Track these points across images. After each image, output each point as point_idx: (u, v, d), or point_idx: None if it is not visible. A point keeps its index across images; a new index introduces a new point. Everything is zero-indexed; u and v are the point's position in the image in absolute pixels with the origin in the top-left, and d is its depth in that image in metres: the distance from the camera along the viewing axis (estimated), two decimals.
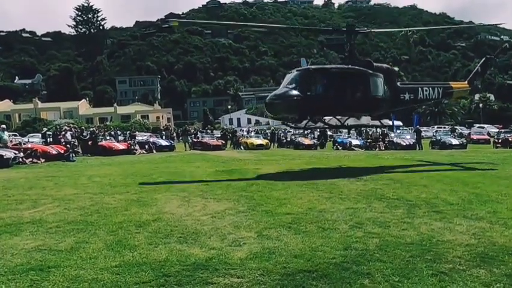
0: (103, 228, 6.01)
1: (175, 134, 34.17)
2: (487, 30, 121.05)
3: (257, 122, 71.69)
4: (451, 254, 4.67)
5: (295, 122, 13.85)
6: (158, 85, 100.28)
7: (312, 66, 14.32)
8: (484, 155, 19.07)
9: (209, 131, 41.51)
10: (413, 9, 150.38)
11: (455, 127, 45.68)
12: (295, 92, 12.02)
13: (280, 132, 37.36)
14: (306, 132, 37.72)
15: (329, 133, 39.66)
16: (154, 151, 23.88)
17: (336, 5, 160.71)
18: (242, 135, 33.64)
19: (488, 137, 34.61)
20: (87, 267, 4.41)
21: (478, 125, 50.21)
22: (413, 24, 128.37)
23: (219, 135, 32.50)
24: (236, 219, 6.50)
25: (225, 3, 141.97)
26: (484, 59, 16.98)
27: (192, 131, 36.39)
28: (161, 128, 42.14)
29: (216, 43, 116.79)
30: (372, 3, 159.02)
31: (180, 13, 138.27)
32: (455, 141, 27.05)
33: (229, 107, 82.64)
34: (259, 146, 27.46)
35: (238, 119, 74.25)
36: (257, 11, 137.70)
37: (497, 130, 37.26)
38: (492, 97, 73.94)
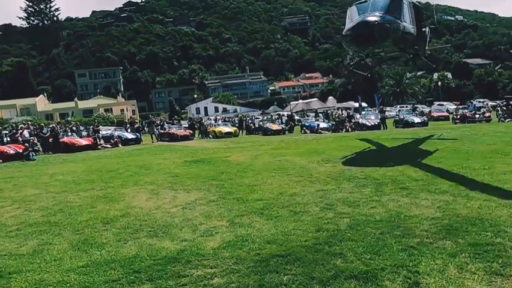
0: (67, 228, 5.76)
1: (140, 126, 33.33)
2: (442, 10, 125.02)
3: (224, 110, 71.24)
4: (418, 229, 4.80)
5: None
6: (121, 77, 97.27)
7: None
8: (444, 131, 19.84)
9: (176, 121, 40.83)
10: None
11: (417, 106, 47.29)
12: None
13: (248, 119, 37.30)
14: (273, 118, 37.92)
15: (297, 117, 40.09)
16: (120, 145, 23.20)
17: None
18: (210, 124, 33.30)
19: (448, 114, 36.06)
20: (52, 270, 4.20)
21: (437, 103, 52.19)
22: None
23: (187, 125, 32.03)
24: (207, 208, 6.41)
25: None
26: None
27: (158, 122, 35.65)
28: (126, 121, 40.98)
29: (178, 31, 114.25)
30: None
31: (139, 1, 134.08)
32: (417, 120, 27.99)
33: (196, 96, 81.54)
34: (228, 134, 27.28)
35: (206, 108, 73.46)
36: None
37: (455, 107, 38.84)
38: (449, 75, 77.11)
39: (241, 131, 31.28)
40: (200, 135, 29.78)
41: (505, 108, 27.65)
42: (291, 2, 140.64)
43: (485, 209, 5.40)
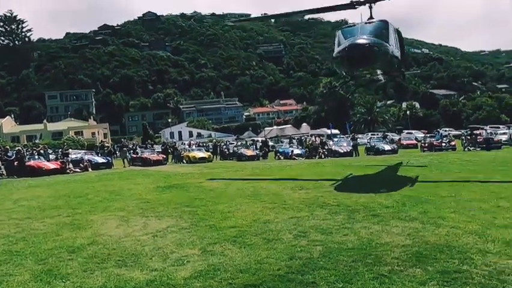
0: (30, 257, 5.47)
1: (112, 150, 32.60)
2: (409, 43, 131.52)
3: (199, 135, 70.95)
4: (389, 256, 4.86)
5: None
6: (93, 99, 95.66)
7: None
8: (413, 158, 20.48)
9: (149, 145, 40.24)
10: (344, 24, 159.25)
11: (387, 134, 48.71)
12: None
13: (222, 144, 37.25)
14: (248, 143, 38.06)
15: (271, 143, 40.39)
16: (90, 169, 22.56)
17: (272, 19, 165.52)
18: (184, 148, 33.00)
19: (416, 142, 37.28)
20: None
21: (406, 131, 53.95)
22: None
23: (160, 150, 31.59)
24: (179, 236, 6.27)
25: (162, 15, 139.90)
26: None
27: (131, 146, 35.02)
28: (97, 144, 40.04)
29: (154, 55, 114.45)
30: (306, 17, 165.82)
31: (115, 24, 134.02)
32: (387, 147, 28.76)
33: (170, 120, 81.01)
34: (202, 159, 27.09)
35: (180, 133, 72.92)
36: (195, 23, 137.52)
37: (423, 135, 40.28)
38: (417, 105, 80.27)
39: (215, 156, 31.14)
40: (173, 160, 29.42)
41: (468, 137, 28.90)
42: (266, 30, 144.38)
43: (452, 236, 5.55)
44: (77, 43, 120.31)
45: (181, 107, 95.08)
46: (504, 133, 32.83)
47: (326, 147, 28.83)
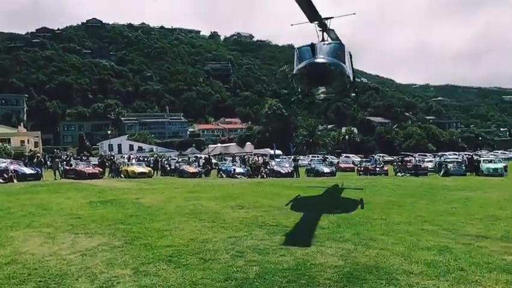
0: None
1: (43, 161, 30.33)
2: None
3: (140, 149, 68.66)
4: (322, 277, 4.99)
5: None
6: (25, 105, 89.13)
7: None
8: (349, 181, 21.42)
9: (85, 157, 38.13)
10: (291, 48, 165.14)
11: (327, 156, 50.63)
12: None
13: (164, 159, 36.33)
14: (190, 160, 37.52)
15: (214, 161, 40.16)
16: (15, 180, 20.80)
17: (222, 37, 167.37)
18: (122, 162, 31.68)
19: (353, 166, 39.10)
20: None
21: (345, 155, 56.48)
22: (292, 61, 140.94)
23: (96, 163, 30.02)
24: (110, 255, 5.95)
25: (108, 24, 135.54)
26: None
27: (64, 157, 32.94)
28: (26, 153, 37.15)
29: (97, 64, 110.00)
30: (255, 39, 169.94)
31: (55, 28, 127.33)
32: (326, 169, 29.84)
33: (110, 132, 77.57)
34: (141, 174, 26.13)
35: (119, 145, 70.01)
36: (142, 35, 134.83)
37: (360, 159, 42.40)
38: (356, 130, 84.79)
39: (155, 172, 30.24)
40: (111, 174, 28.07)
41: (400, 163, 30.94)
42: (215, 48, 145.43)
43: (381, 257, 5.85)
44: (10, 44, 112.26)
45: (122, 119, 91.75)
46: (430, 161, 35.57)
47: (268, 167, 29.24)
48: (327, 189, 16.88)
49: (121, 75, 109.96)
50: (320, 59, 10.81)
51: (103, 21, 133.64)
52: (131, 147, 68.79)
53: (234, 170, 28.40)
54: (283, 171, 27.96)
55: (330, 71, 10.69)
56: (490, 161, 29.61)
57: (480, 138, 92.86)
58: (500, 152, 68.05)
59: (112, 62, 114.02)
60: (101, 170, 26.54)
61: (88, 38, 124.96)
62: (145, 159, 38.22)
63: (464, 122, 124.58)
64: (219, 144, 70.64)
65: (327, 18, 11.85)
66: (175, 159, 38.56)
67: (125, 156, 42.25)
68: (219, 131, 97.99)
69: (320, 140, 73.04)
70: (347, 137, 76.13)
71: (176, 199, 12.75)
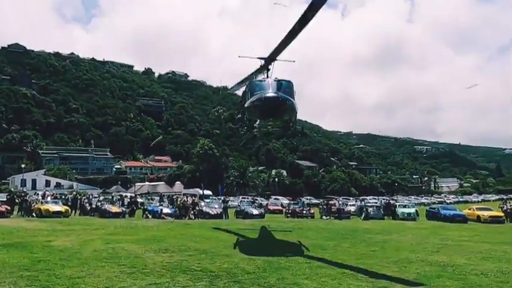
0: None
1: None
2: None
3: (58, 185, 63.41)
4: None
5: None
6: None
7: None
8: (278, 223, 21.66)
9: None
10: (225, 90, 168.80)
11: (256, 198, 51.03)
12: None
13: (84, 198, 33.82)
14: (114, 199, 35.43)
15: (140, 200, 38.29)
16: None
17: (156, 74, 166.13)
18: (36, 199, 28.86)
19: (282, 208, 39.74)
20: None
21: (274, 197, 57.34)
22: (225, 102, 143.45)
23: (5, 199, 26.99)
24: None
25: (32, 50, 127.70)
26: None
27: None
28: None
29: (15, 91, 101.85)
30: (190, 78, 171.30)
31: None
32: (255, 211, 29.89)
33: (24, 165, 70.78)
34: (57, 214, 23.94)
35: (34, 181, 64.01)
36: (70, 65, 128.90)
37: (288, 202, 43.32)
38: (285, 173, 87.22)
39: (73, 211, 27.93)
40: (20, 213, 25.34)
41: (325, 206, 32.13)
42: (148, 84, 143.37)
43: None
44: None
45: (40, 152, 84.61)
46: (353, 205, 37.48)
47: (197, 208, 28.57)
48: (255, 232, 16.85)
49: (43, 105, 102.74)
50: (274, 94, 11.59)
51: (27, 48, 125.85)
52: (47, 183, 63.22)
53: (161, 210, 27.29)
54: (213, 213, 27.47)
55: (282, 105, 11.49)
56: (405, 206, 31.95)
57: (396, 184, 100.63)
58: (413, 197, 74.20)
59: (33, 91, 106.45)
60: (9, 208, 23.90)
61: (7, 64, 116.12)
62: (63, 196, 35.26)
63: (382, 169, 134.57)
64: (146, 183, 67.91)
65: (272, 60, 12.68)
66: (97, 197, 36.15)
67: (40, 193, 38.67)
68: (148, 168, 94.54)
69: (251, 181, 73.72)
70: (276, 179, 77.84)
71: (94, 242, 11.81)
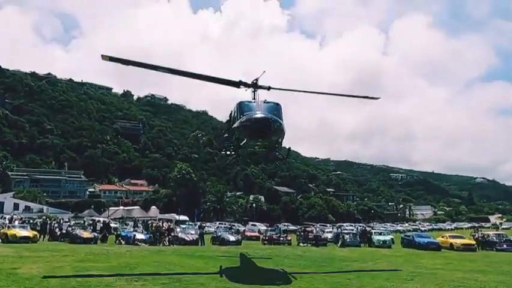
0: None
1: None
2: None
3: (27, 209, 60.91)
4: None
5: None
6: None
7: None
8: (254, 251, 21.38)
9: None
10: (204, 114, 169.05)
11: (233, 224, 50.42)
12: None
13: (54, 222, 32.60)
14: (86, 223, 34.30)
15: (114, 225, 37.16)
16: None
17: (135, 97, 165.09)
18: (2, 224, 27.62)
19: (259, 234, 39.35)
20: None
21: (251, 223, 56.82)
22: (204, 127, 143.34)
23: None
24: None
25: (7, 69, 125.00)
26: None
27: None
28: None
29: None
30: (169, 102, 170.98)
31: None
32: (232, 238, 29.47)
33: None
34: (24, 239, 22.93)
35: (1, 204, 61.24)
36: (47, 85, 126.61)
37: (265, 228, 42.98)
38: (263, 199, 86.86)
39: (42, 236, 26.81)
40: None
41: (302, 233, 32.03)
42: (126, 107, 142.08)
43: None
44: None
45: (9, 173, 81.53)
46: (330, 231, 37.53)
47: (173, 234, 27.96)
48: (232, 259, 16.58)
49: (16, 125, 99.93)
50: (264, 114, 11.83)
51: (2, 66, 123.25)
52: (16, 207, 60.61)
53: (134, 236, 26.54)
54: (188, 239, 26.95)
55: (272, 126, 11.70)
56: (380, 233, 32.24)
57: (372, 211, 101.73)
58: (389, 224, 75.01)
59: (6, 111, 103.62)
60: None
61: None
62: (31, 220, 33.90)
63: (359, 196, 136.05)
64: (121, 207, 66.06)
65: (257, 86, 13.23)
66: (67, 221, 34.94)
67: (7, 217, 37.06)
68: (123, 192, 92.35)
69: (228, 207, 73.00)
70: (254, 205, 77.37)
71: (62, 269, 11.34)
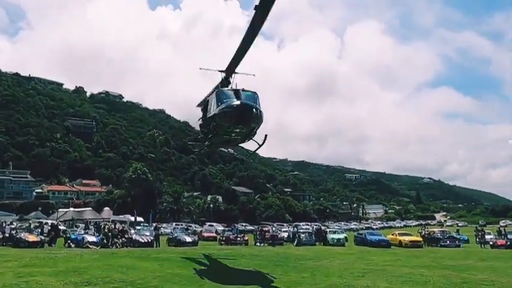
0: None
1: None
2: None
3: None
4: None
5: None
6: None
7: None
8: (211, 251, 21.23)
9: None
10: (161, 113, 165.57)
11: (190, 225, 49.78)
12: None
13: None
14: (32, 226, 32.44)
15: (63, 227, 35.44)
16: None
17: (88, 94, 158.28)
18: None
19: (216, 235, 39.14)
20: None
21: (208, 223, 56.34)
22: (161, 126, 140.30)
23: None
24: None
25: None
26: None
27: None
28: None
29: None
30: (125, 99, 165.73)
31: None
32: (188, 239, 29.09)
33: None
34: None
35: None
36: None
37: (223, 228, 42.81)
38: (220, 199, 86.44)
39: None
40: None
41: (259, 233, 32.22)
42: (78, 104, 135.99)
43: None
44: None
45: None
46: (286, 231, 38.05)
47: (127, 236, 27.11)
48: (188, 261, 16.34)
49: None
50: (246, 101, 12.02)
51: None
52: None
53: (84, 238, 25.45)
54: (143, 241, 26.28)
55: (253, 112, 11.90)
56: (335, 232, 33.17)
57: (328, 210, 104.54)
58: (343, 223, 77.45)
59: None
60: None
61: None
62: None
63: (315, 195, 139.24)
64: (71, 209, 62.91)
65: (232, 72, 13.32)
66: (13, 224, 32.85)
67: None
68: (74, 193, 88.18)
69: (185, 208, 71.94)
70: (211, 205, 76.82)
71: (4, 276, 10.63)
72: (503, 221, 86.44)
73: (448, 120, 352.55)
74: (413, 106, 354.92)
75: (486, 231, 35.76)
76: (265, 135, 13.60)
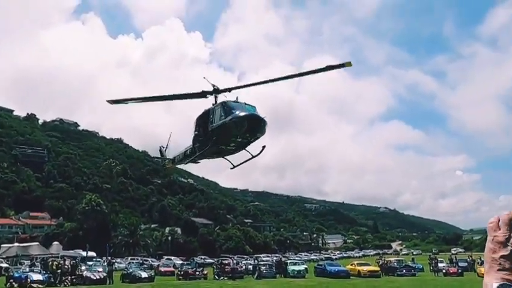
0: None
1: None
2: (178, 172, 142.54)
3: None
4: None
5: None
6: None
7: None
8: (167, 287, 20.34)
9: None
10: (119, 142, 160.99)
11: (147, 259, 47.70)
12: None
13: None
14: None
15: (5, 265, 32.74)
16: None
17: (41, 121, 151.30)
18: None
19: (174, 269, 37.68)
20: None
21: (166, 257, 54.29)
22: (118, 155, 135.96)
23: None
24: None
25: None
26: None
27: None
28: None
29: None
30: (81, 128, 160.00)
31: None
32: (144, 274, 27.73)
33: None
34: None
35: None
36: None
37: (181, 262, 41.34)
38: (179, 231, 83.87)
39: None
40: None
41: (219, 266, 31.40)
42: (29, 131, 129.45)
43: None
44: None
45: None
46: (249, 263, 37.40)
47: (77, 273, 25.47)
48: None
49: None
50: (257, 113, 12.62)
51: None
52: None
53: (28, 276, 23.59)
54: (94, 277, 24.82)
55: (263, 124, 12.57)
56: (295, 263, 33.03)
57: (288, 241, 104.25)
58: (304, 254, 77.38)
59: None
60: None
61: None
62: None
63: (276, 226, 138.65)
64: (15, 244, 58.42)
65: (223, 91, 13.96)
66: None
67: None
68: (20, 227, 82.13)
69: (142, 241, 69.00)
70: (170, 237, 74.27)
71: None
72: (454, 249, 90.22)
73: (400, 152, 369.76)
74: (367, 138, 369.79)
75: (439, 259, 37.06)
76: (263, 147, 14.03)
